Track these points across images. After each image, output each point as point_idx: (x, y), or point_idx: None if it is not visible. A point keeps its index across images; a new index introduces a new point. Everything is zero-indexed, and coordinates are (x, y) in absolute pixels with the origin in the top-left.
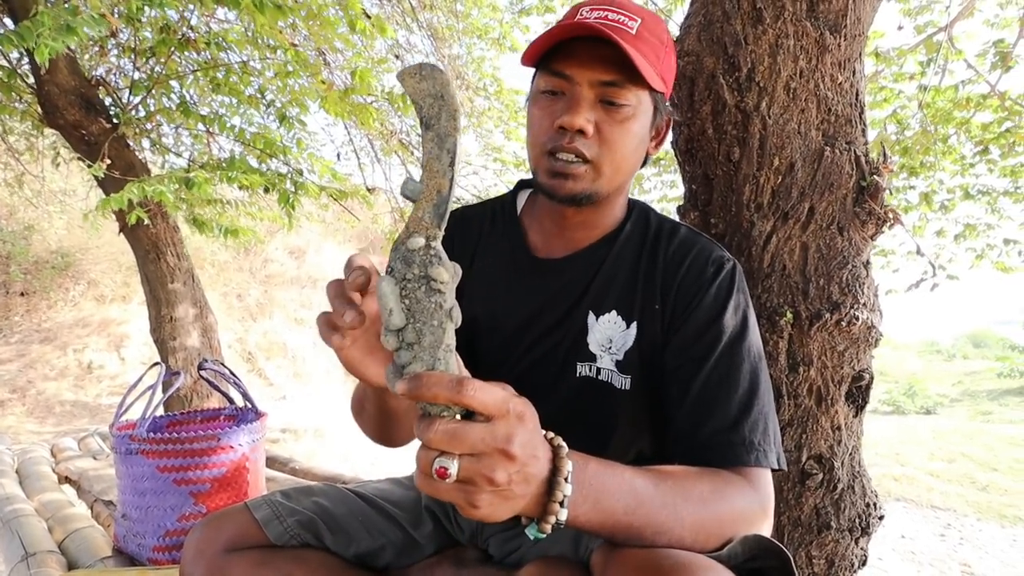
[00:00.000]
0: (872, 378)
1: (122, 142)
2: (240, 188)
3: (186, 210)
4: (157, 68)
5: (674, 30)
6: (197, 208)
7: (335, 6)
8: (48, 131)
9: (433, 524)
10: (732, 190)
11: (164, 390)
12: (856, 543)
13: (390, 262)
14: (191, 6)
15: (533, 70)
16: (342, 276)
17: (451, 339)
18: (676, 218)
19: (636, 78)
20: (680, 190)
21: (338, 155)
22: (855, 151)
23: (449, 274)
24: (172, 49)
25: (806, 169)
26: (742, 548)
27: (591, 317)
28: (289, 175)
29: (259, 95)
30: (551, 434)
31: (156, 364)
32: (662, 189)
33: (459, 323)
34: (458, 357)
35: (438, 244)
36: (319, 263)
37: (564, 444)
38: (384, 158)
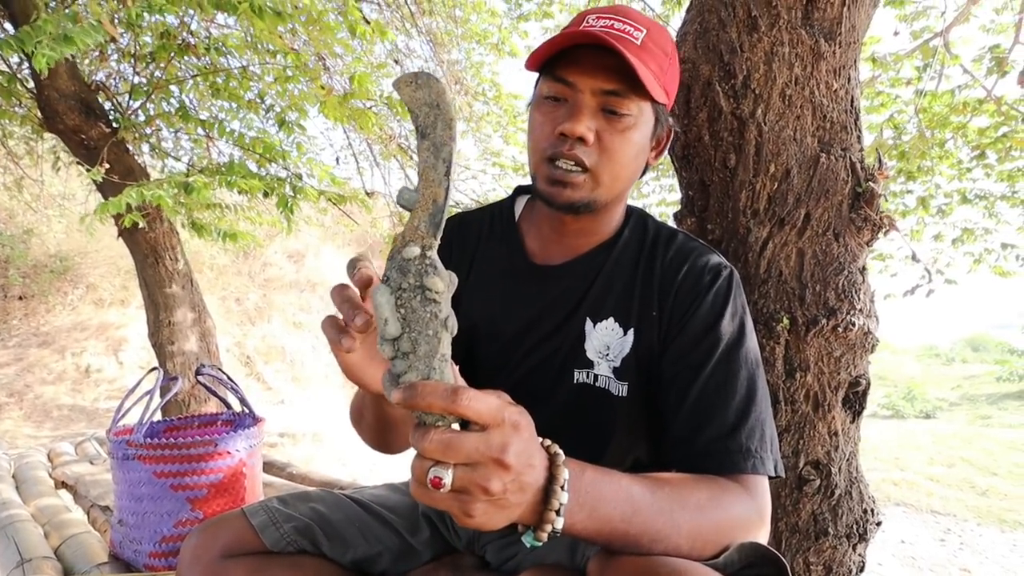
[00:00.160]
0: (869, 384)
1: (121, 146)
2: (239, 192)
3: (185, 214)
4: (157, 73)
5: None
6: (196, 212)
7: (334, 12)
8: (47, 135)
9: (430, 531)
10: (728, 196)
11: (162, 395)
12: (854, 549)
13: (386, 271)
14: (191, 11)
15: (536, 75)
16: (346, 281)
17: (446, 348)
18: (674, 224)
19: (639, 88)
20: (679, 195)
21: (337, 159)
22: (850, 157)
23: (444, 284)
24: (172, 54)
25: (802, 175)
26: (739, 555)
27: (588, 324)
28: (288, 179)
29: (259, 100)
30: (548, 441)
31: (154, 369)
32: (661, 193)
33: (455, 332)
34: (454, 366)
35: (434, 253)
36: (318, 267)
37: (561, 452)
38: (383, 162)
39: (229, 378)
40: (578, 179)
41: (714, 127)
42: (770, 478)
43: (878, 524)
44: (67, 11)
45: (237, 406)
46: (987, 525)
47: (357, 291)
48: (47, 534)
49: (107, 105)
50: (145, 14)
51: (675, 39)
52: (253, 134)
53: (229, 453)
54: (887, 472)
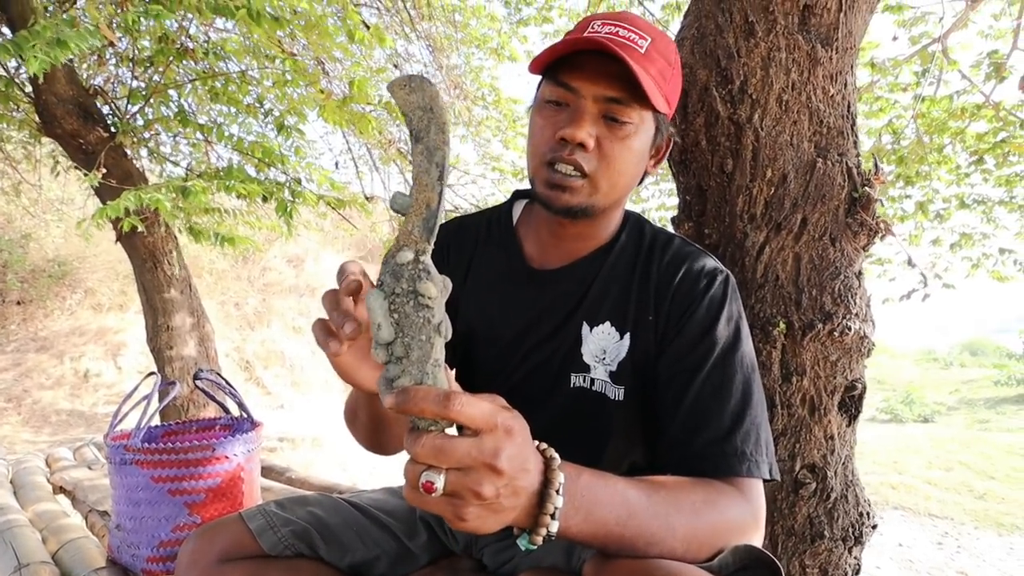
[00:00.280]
0: (865, 388)
1: (119, 151)
2: (238, 197)
3: (183, 219)
4: (155, 77)
5: None
6: (194, 217)
7: (333, 17)
8: (45, 140)
9: (427, 534)
10: (725, 201)
11: (159, 400)
12: (849, 552)
13: (380, 275)
14: (190, 16)
15: (538, 78)
16: (336, 286)
17: (440, 353)
18: (672, 228)
19: (641, 97)
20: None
21: (336, 164)
22: (847, 163)
23: (437, 289)
24: (170, 59)
25: (798, 180)
26: (733, 558)
27: (585, 328)
28: (287, 184)
29: (257, 104)
30: (543, 445)
31: (151, 374)
32: (660, 198)
33: (448, 337)
34: (448, 371)
35: (427, 258)
36: (317, 272)
37: (556, 456)
38: (382, 167)
39: (227, 383)
40: (576, 184)
41: (711, 132)
42: (765, 481)
43: (874, 527)
44: (65, 16)
45: (235, 411)
46: (984, 529)
47: (345, 292)
48: (45, 539)
49: (105, 109)
50: (143, 19)
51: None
52: (252, 138)
53: (227, 458)
54: (885, 476)
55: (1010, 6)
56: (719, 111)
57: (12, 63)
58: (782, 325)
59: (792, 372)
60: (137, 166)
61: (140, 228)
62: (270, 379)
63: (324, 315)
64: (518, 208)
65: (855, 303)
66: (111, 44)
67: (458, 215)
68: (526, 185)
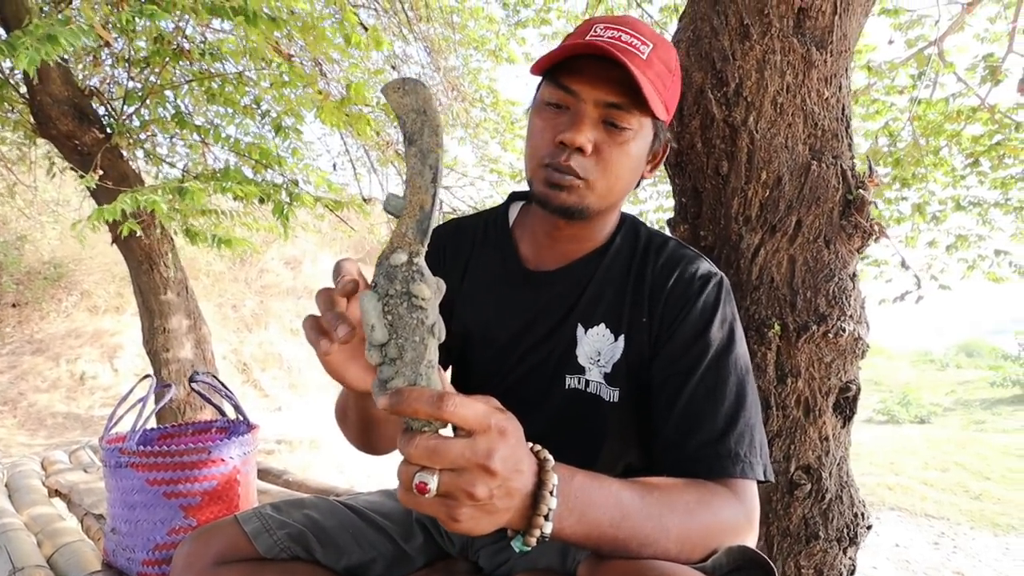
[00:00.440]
0: (859, 389)
1: (115, 152)
2: (235, 199)
3: (179, 220)
4: (152, 78)
5: None
6: (191, 219)
7: (331, 18)
8: (41, 141)
9: (424, 536)
10: (721, 203)
11: (155, 403)
12: (844, 553)
13: (374, 277)
14: (186, 16)
15: (537, 79)
16: (331, 285)
17: (433, 355)
18: (668, 230)
19: (641, 103)
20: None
21: (334, 165)
22: (841, 165)
23: (431, 290)
24: (166, 59)
25: (793, 183)
26: (727, 559)
27: (580, 330)
28: (284, 186)
29: (254, 105)
30: (537, 447)
31: (147, 376)
32: (658, 199)
33: (442, 339)
34: (442, 372)
35: (421, 260)
36: (315, 273)
37: (550, 457)
38: (380, 168)
39: (223, 385)
40: (574, 184)
41: (707, 134)
42: (759, 483)
43: (868, 528)
44: (60, 16)
45: (231, 413)
46: (980, 529)
47: (341, 292)
48: (40, 543)
49: (101, 111)
50: (139, 19)
51: None
52: (249, 139)
53: (223, 460)
54: (882, 476)
55: (1006, 9)
56: (714, 113)
57: (7, 64)
58: (777, 327)
59: (787, 374)
60: (133, 167)
61: (138, 232)
62: (267, 381)
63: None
64: (514, 210)
65: (849, 305)
66: (107, 44)
67: (455, 217)
68: (524, 187)
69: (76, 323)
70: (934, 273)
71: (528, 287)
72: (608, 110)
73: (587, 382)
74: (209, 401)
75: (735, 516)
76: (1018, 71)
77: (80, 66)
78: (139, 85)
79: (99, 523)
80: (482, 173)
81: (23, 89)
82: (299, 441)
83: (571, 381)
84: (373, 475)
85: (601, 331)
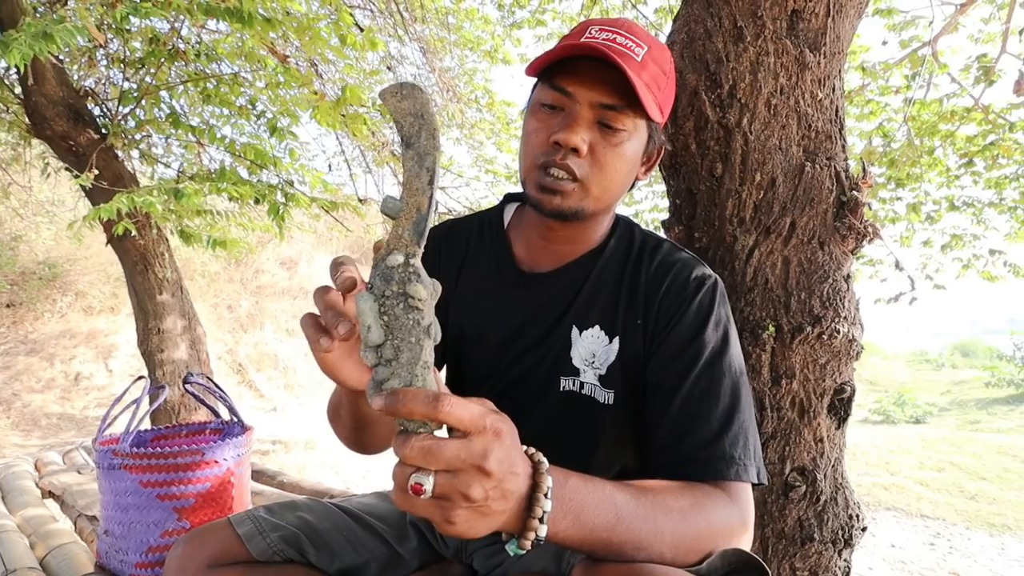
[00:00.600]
0: (854, 391)
1: (110, 153)
2: (230, 199)
3: (174, 221)
4: (147, 79)
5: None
6: (186, 219)
7: (327, 19)
8: (36, 141)
9: (418, 539)
10: (715, 205)
11: (149, 404)
12: (839, 555)
13: (370, 278)
14: (182, 17)
15: (533, 80)
16: (329, 284)
17: (429, 356)
18: (663, 232)
19: (636, 105)
20: None
21: (329, 166)
22: (835, 167)
23: (427, 291)
24: (162, 60)
25: (787, 184)
26: (721, 562)
27: (575, 332)
28: (280, 186)
29: (250, 106)
30: (531, 449)
31: (141, 378)
32: (653, 199)
33: (438, 340)
34: (437, 374)
35: (417, 261)
36: (311, 274)
37: (544, 460)
38: (376, 169)
39: (217, 386)
40: (568, 188)
41: (701, 136)
42: (754, 485)
43: (863, 530)
44: (55, 16)
45: (226, 415)
46: (976, 529)
47: (341, 288)
48: (32, 545)
49: (96, 111)
50: (134, 19)
51: None
52: (245, 140)
53: (217, 462)
54: (877, 477)
55: (999, 10)
56: (708, 115)
57: (1, 64)
58: (771, 328)
59: (781, 375)
60: (128, 168)
61: (133, 232)
62: (263, 382)
63: (315, 311)
64: (509, 211)
65: (844, 306)
66: (102, 45)
67: (450, 218)
68: (519, 188)
69: (71, 323)
70: (929, 273)
71: (523, 289)
72: (602, 111)
73: (582, 384)
74: (203, 402)
75: (729, 519)
76: (1012, 72)
77: (75, 67)
78: (134, 86)
79: (92, 525)
80: (478, 174)
81: (18, 90)
82: (294, 442)
83: (566, 383)
84: (369, 476)
85: (596, 333)
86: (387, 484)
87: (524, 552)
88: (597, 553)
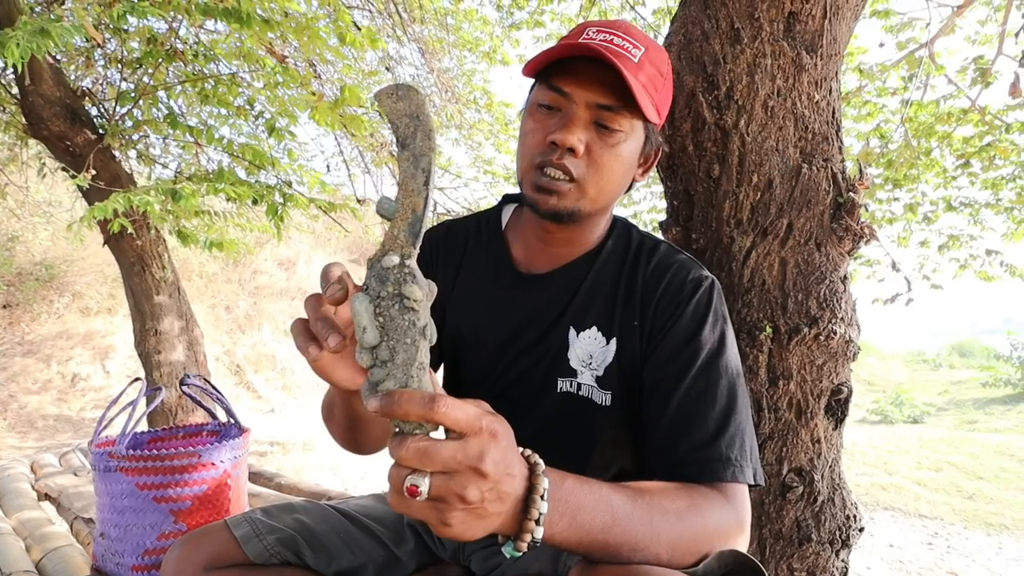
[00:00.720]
0: (851, 391)
1: (107, 153)
2: (228, 200)
3: (172, 222)
4: (145, 79)
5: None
6: (184, 220)
7: (325, 19)
8: (32, 142)
9: (415, 541)
10: (712, 206)
11: (146, 405)
12: (837, 555)
13: (365, 280)
14: (180, 17)
15: (531, 81)
16: (319, 290)
17: (425, 357)
18: (660, 233)
19: (632, 106)
20: None
21: (327, 167)
22: (832, 168)
23: (423, 292)
24: (159, 60)
25: (784, 186)
26: (718, 563)
27: (572, 333)
28: (278, 187)
29: (248, 106)
30: (527, 451)
31: (137, 379)
32: (651, 200)
33: (433, 341)
34: (433, 375)
35: (412, 262)
36: (309, 274)
37: (540, 461)
38: (374, 169)
39: (214, 388)
40: (564, 188)
41: (698, 138)
42: (750, 487)
43: (861, 530)
44: (52, 16)
45: (223, 416)
46: (974, 528)
47: (331, 301)
48: (28, 548)
49: (93, 111)
50: (132, 19)
51: None
52: (243, 140)
53: (214, 464)
54: (875, 477)
55: (996, 12)
56: (705, 117)
57: None
58: (768, 329)
59: (778, 376)
60: (125, 168)
61: (130, 230)
62: (261, 383)
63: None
64: (507, 212)
65: (840, 307)
66: (99, 45)
67: (448, 218)
68: (518, 189)
69: (67, 324)
70: (926, 273)
71: (520, 290)
72: (599, 112)
73: (579, 385)
74: (200, 404)
75: (726, 520)
76: (1008, 73)
77: (72, 67)
78: (132, 86)
79: (89, 527)
80: (476, 174)
81: (15, 90)
82: (292, 443)
83: (563, 384)
84: (367, 477)
85: (593, 334)
86: (385, 486)
87: (521, 554)
88: (593, 555)
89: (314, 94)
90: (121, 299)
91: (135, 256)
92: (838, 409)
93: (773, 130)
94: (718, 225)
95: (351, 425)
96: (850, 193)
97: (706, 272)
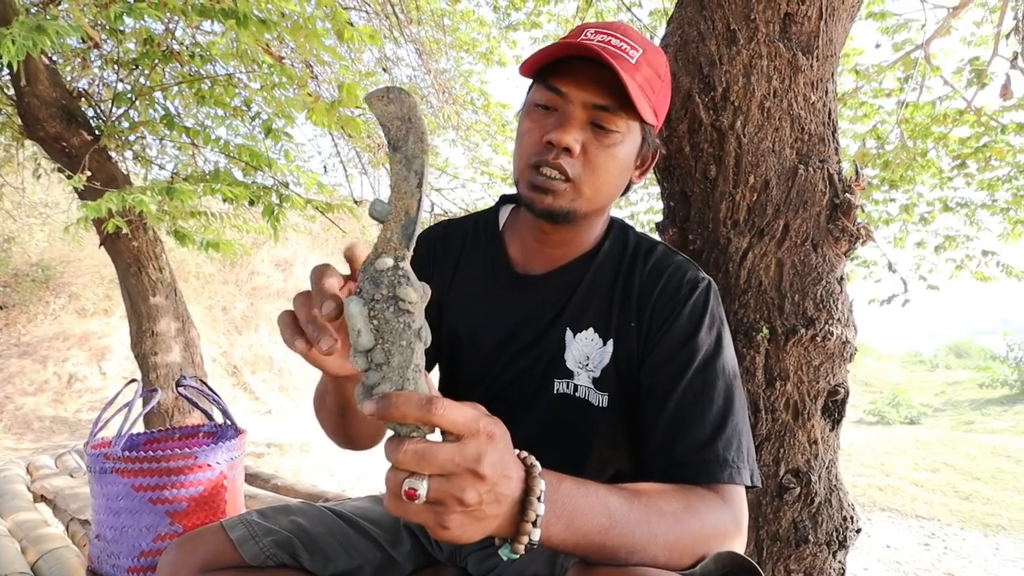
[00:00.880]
0: (847, 392)
1: (104, 154)
2: (224, 200)
3: (168, 222)
4: (141, 80)
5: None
6: (180, 221)
7: (322, 19)
8: (28, 142)
9: (412, 543)
10: (709, 207)
11: (142, 407)
12: (834, 556)
13: (359, 283)
14: (176, 18)
15: (528, 82)
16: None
17: (420, 359)
18: (657, 234)
19: (628, 106)
20: None
21: (324, 168)
22: (828, 169)
23: (418, 294)
24: (156, 61)
25: (780, 187)
26: (715, 565)
27: (568, 334)
28: (274, 188)
29: (245, 107)
30: (524, 453)
31: (133, 381)
32: (649, 201)
33: (428, 343)
34: (428, 377)
35: (406, 264)
36: (306, 275)
37: (537, 463)
38: (372, 170)
39: (211, 389)
40: (560, 187)
41: (694, 139)
42: (747, 488)
43: (858, 531)
44: (48, 16)
45: (219, 418)
46: (970, 529)
47: (326, 319)
48: (24, 549)
49: (89, 112)
50: (129, 20)
51: None
52: (240, 141)
53: (210, 466)
54: (872, 478)
55: (991, 13)
56: (702, 118)
57: None
58: (765, 330)
59: (775, 377)
60: (122, 169)
61: (125, 230)
62: (258, 384)
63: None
64: (505, 212)
65: (837, 308)
66: (95, 46)
67: (445, 219)
68: (513, 190)
69: (64, 326)
70: (923, 273)
71: (517, 291)
72: (595, 112)
73: (575, 387)
74: (196, 405)
75: (723, 522)
76: (1003, 75)
77: (69, 68)
78: (128, 87)
79: (85, 529)
80: (473, 175)
81: (11, 91)
82: (289, 444)
83: (559, 386)
84: (364, 478)
85: (590, 336)
86: (382, 487)
87: (518, 556)
88: (591, 557)
89: (311, 95)
90: (118, 300)
91: (131, 257)
92: (835, 410)
93: (769, 131)
94: (715, 226)
95: (342, 412)
96: (846, 194)
97: (703, 273)
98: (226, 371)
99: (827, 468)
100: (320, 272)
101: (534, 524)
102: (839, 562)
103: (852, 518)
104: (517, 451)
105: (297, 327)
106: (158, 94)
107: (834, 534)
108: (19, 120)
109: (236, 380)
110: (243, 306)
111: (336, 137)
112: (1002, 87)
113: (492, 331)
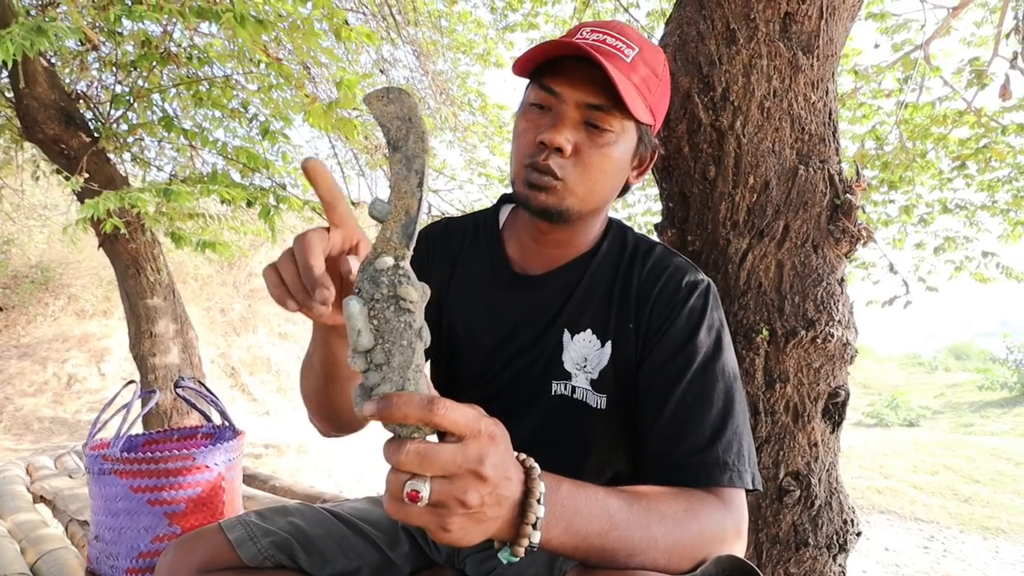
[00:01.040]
0: (848, 395)
1: (102, 156)
2: (222, 202)
3: (166, 223)
4: (139, 82)
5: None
6: (178, 222)
7: (319, 19)
8: (27, 144)
9: (410, 544)
10: (708, 208)
11: (140, 408)
12: (834, 560)
13: (358, 283)
14: (174, 20)
15: (526, 82)
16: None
17: (420, 359)
18: (656, 235)
19: (623, 106)
20: None
21: None
22: (829, 170)
23: (418, 293)
24: (154, 63)
25: (781, 187)
26: (715, 568)
27: (566, 335)
28: (272, 189)
29: (242, 109)
30: (523, 455)
31: (131, 382)
32: (646, 203)
33: (428, 342)
34: (427, 378)
35: (407, 264)
36: None
37: (536, 465)
38: (369, 172)
39: (208, 390)
40: (553, 185)
41: (694, 139)
42: (748, 491)
43: (858, 534)
44: (47, 19)
45: (217, 419)
46: (970, 532)
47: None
48: (23, 550)
49: (88, 114)
50: (127, 22)
51: None
52: (237, 143)
53: (208, 467)
54: (871, 480)
55: (991, 13)
56: (701, 118)
57: None
58: (765, 332)
59: (775, 379)
60: (120, 171)
61: (123, 230)
62: (256, 385)
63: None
64: (504, 212)
65: (838, 310)
66: (94, 48)
67: (445, 218)
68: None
69: (63, 327)
70: (922, 275)
71: (515, 291)
72: (589, 111)
73: (574, 388)
74: (195, 407)
75: (723, 525)
76: (1003, 75)
77: (67, 70)
78: (127, 89)
79: (84, 530)
80: (471, 176)
81: (9, 93)
82: (287, 446)
83: (557, 387)
84: (362, 479)
85: (588, 337)
86: (379, 488)
87: (517, 559)
88: (590, 560)
89: (308, 96)
90: (116, 302)
91: (130, 259)
92: (835, 412)
93: (769, 131)
94: (714, 227)
95: (327, 373)
96: (847, 195)
97: (702, 275)
98: (224, 372)
99: (827, 471)
100: (307, 236)
101: (534, 527)
102: (839, 565)
103: (852, 521)
104: (516, 453)
105: (285, 288)
106: (156, 96)
107: (834, 537)
108: (18, 122)
109: (234, 381)
110: (241, 308)
111: (333, 139)
112: (1001, 87)
113: (490, 330)
